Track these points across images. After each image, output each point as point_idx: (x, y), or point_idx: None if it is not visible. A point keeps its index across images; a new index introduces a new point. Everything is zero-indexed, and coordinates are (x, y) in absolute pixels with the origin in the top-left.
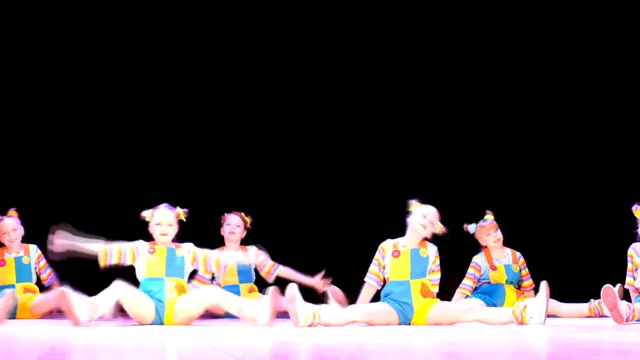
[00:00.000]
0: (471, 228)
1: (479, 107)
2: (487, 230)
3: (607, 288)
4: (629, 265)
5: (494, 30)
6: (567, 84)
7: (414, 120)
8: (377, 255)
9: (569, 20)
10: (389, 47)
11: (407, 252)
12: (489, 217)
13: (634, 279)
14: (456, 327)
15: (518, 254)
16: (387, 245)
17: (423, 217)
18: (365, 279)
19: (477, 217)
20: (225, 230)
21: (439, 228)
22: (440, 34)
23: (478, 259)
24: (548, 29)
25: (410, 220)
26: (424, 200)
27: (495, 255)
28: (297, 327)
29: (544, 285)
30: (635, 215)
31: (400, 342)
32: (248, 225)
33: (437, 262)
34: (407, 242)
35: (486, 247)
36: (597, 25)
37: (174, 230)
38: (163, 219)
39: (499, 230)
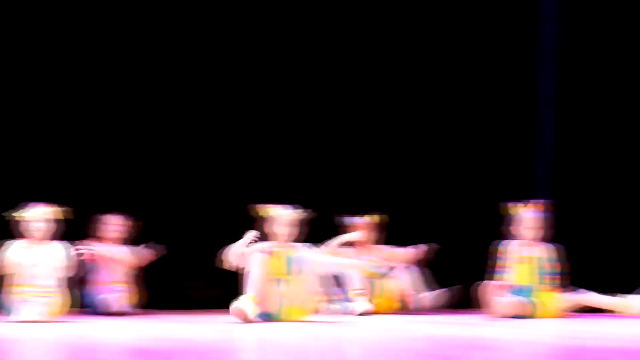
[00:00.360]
0: (348, 221)
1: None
2: (362, 227)
3: (485, 284)
4: (500, 261)
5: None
6: (433, 84)
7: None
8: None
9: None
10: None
11: (282, 253)
12: (371, 217)
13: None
14: (330, 324)
15: (390, 251)
16: (262, 246)
17: (283, 225)
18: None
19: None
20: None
21: (301, 213)
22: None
23: (349, 252)
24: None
25: (271, 227)
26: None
27: (367, 252)
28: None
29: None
30: (510, 212)
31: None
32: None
33: (318, 257)
34: (278, 245)
35: (360, 243)
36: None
37: (49, 227)
38: (38, 216)
39: (374, 231)
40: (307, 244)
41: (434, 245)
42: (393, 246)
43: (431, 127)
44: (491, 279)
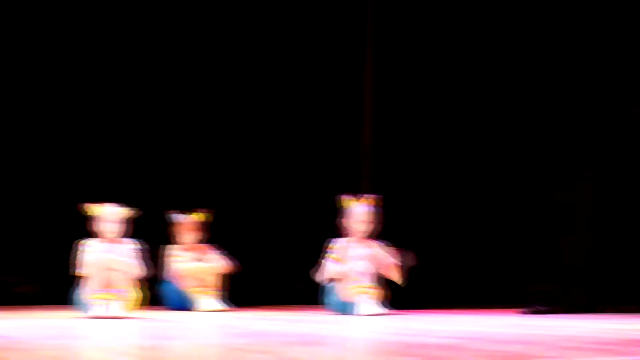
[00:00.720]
0: (174, 217)
1: (180, 97)
2: (184, 226)
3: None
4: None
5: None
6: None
7: (109, 109)
8: None
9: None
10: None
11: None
12: (195, 215)
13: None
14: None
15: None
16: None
17: (108, 222)
18: None
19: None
20: None
21: (126, 212)
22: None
23: (174, 249)
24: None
25: (97, 225)
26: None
27: (193, 251)
28: None
29: None
30: (343, 206)
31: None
32: None
33: (140, 254)
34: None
35: (185, 243)
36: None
37: None
38: None
39: (198, 232)
40: (135, 240)
41: (238, 264)
42: (213, 247)
43: (258, 122)
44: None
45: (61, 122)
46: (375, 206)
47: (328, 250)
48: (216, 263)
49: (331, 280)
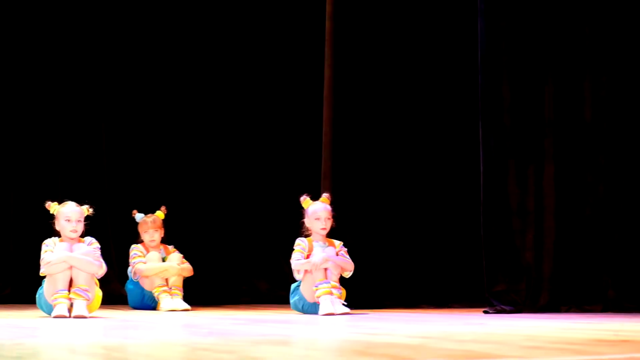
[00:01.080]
0: (137, 217)
1: (142, 97)
2: (148, 226)
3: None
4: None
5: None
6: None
7: (74, 111)
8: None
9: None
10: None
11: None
12: (158, 214)
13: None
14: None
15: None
16: (50, 241)
17: (67, 221)
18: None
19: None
20: None
21: (86, 210)
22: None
23: (137, 249)
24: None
25: (59, 223)
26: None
27: (157, 251)
28: None
29: None
30: (303, 205)
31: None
32: None
33: (102, 253)
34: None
35: (148, 242)
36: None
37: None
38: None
39: (160, 230)
40: (97, 239)
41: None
42: (176, 248)
43: (215, 121)
44: None
45: (24, 122)
46: (335, 204)
47: (293, 248)
48: (179, 263)
49: (299, 276)
